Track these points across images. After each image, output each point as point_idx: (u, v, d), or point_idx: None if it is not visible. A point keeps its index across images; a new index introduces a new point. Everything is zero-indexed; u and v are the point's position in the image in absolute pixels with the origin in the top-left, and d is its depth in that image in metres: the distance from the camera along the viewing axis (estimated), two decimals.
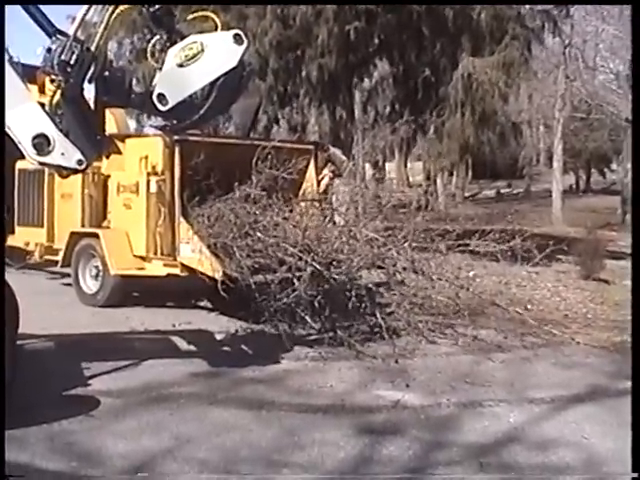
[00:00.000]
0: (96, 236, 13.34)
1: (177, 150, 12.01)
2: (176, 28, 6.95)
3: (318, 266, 10.81)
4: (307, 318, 10.77)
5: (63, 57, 6.42)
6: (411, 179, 50.76)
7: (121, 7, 6.78)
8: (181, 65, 6.58)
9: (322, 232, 11.51)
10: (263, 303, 10.75)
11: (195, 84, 6.66)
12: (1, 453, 5.73)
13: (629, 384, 8.93)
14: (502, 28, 19.81)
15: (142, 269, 12.82)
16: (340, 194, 12.57)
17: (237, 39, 6.64)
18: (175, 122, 7.30)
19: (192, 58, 6.56)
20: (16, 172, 14.65)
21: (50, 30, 6.57)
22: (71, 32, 6.56)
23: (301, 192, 13.08)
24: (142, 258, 12.76)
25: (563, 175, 43.81)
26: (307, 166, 13.31)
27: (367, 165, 36.26)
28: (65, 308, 13.09)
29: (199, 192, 11.94)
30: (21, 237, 15.18)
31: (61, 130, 6.42)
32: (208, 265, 11.14)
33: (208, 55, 6.58)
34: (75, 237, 13.91)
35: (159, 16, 6.84)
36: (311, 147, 14.11)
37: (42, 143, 6.26)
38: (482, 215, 24.02)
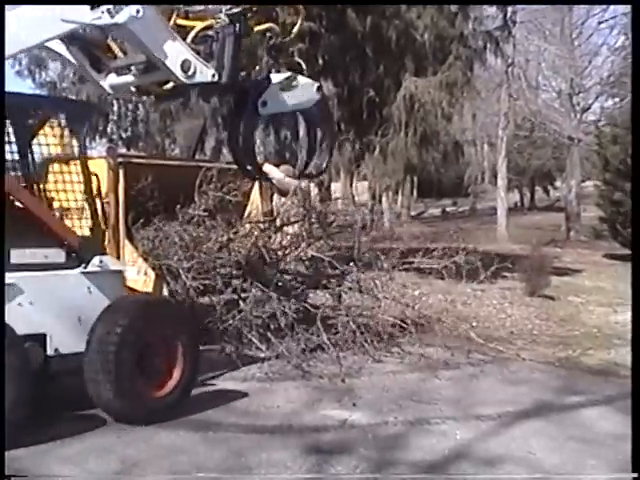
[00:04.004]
0: None
1: (121, 172, 11.88)
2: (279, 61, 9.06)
3: (263, 287, 10.79)
4: (253, 339, 10.73)
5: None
6: (357, 198, 50.88)
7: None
8: (283, 89, 8.19)
9: (268, 253, 11.50)
10: (209, 324, 10.68)
11: (287, 107, 8.38)
12: (1, 453, 5.72)
13: (574, 399, 9.12)
14: (445, 49, 19.99)
15: None
16: (286, 214, 12.51)
17: (318, 90, 8.55)
18: None
19: (291, 87, 8.23)
20: None
21: None
22: None
23: (246, 214, 13.00)
24: None
25: (508, 193, 44.17)
26: (252, 188, 13.24)
27: (312, 185, 36.24)
28: None
29: (144, 214, 11.83)
30: None
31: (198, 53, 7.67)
32: (153, 287, 11.06)
33: (299, 90, 8.34)
34: None
35: (276, 48, 8.90)
36: None
37: (188, 67, 7.44)
38: (427, 233, 24.09)
